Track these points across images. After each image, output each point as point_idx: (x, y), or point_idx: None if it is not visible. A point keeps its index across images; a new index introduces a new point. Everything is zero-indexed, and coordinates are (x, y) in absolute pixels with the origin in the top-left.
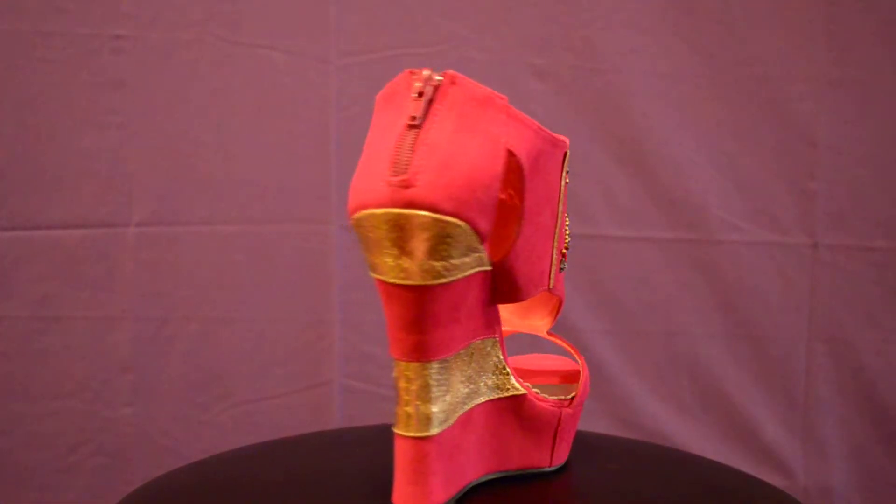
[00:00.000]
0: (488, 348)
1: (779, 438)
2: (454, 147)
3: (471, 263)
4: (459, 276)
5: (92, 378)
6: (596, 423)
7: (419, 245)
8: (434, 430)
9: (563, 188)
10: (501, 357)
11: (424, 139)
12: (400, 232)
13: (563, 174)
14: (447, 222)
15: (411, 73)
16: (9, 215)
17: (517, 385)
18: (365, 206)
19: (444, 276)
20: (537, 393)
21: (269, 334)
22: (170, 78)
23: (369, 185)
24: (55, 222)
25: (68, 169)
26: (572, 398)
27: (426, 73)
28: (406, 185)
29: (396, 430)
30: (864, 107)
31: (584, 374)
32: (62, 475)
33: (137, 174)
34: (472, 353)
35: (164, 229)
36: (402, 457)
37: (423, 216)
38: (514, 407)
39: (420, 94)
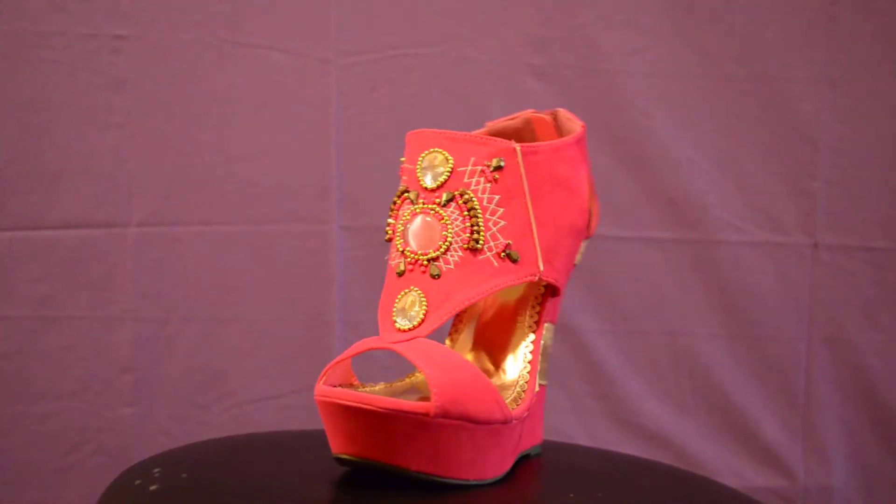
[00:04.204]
0: None
1: (779, 438)
2: None
3: None
4: None
5: (92, 378)
6: (596, 423)
7: None
8: None
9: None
10: None
11: None
12: None
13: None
14: None
15: None
16: (9, 215)
17: None
18: None
19: None
20: None
21: (269, 334)
22: (170, 78)
23: None
24: (55, 222)
25: (68, 169)
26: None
27: None
28: None
29: None
30: (864, 107)
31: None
32: (62, 475)
33: (137, 174)
34: None
35: (164, 229)
36: None
37: None
38: None
39: None
